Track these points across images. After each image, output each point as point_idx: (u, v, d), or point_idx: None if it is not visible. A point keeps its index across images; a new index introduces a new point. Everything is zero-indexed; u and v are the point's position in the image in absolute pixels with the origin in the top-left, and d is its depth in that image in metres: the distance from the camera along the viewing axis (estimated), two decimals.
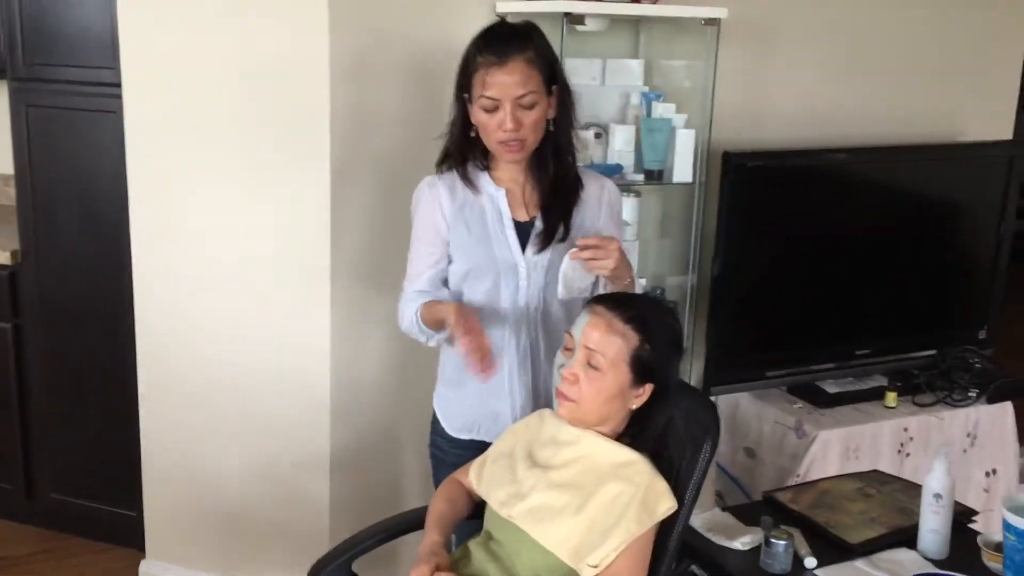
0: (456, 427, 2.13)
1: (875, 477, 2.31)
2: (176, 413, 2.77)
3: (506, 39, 1.91)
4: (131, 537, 3.01)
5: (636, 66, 2.79)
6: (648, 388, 1.76)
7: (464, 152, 2.04)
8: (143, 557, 2.93)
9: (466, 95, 1.97)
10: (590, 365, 1.73)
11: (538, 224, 2.02)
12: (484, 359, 1.84)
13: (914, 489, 2.07)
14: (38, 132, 2.89)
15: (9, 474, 3.18)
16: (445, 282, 2.09)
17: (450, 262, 2.08)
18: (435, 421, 2.18)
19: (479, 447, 2.08)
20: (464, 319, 1.86)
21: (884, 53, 3.19)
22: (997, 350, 3.27)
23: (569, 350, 1.78)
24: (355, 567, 1.94)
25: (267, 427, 2.68)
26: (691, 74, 2.76)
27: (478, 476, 1.91)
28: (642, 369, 1.73)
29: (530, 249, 2.01)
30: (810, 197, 2.93)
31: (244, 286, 2.61)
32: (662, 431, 1.78)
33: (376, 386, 2.67)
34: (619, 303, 1.76)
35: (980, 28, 3.35)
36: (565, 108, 2.00)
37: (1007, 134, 3.49)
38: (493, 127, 1.93)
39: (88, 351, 3.01)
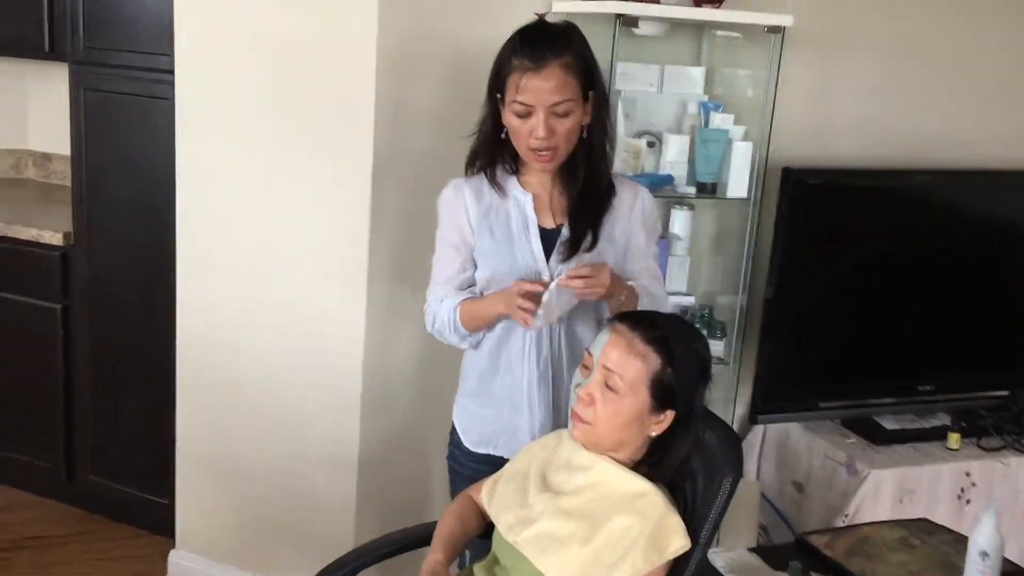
0: (473, 440, 2.07)
1: (922, 527, 2.14)
2: (212, 403, 2.75)
3: (544, 42, 1.82)
4: (163, 525, 3.01)
5: (696, 74, 2.67)
6: (669, 415, 1.64)
7: (493, 154, 1.97)
8: (173, 547, 2.92)
9: (499, 95, 1.90)
10: (607, 386, 1.63)
11: (564, 232, 1.94)
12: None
13: (964, 543, 1.90)
14: (93, 115, 2.91)
15: (51, 454, 3.21)
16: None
17: (476, 268, 2.01)
18: (453, 432, 2.12)
19: (496, 462, 2.02)
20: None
21: (958, 73, 3.01)
22: None
23: (587, 368, 1.68)
24: None
25: (298, 423, 2.65)
26: (754, 85, 2.63)
27: (489, 496, 1.82)
28: (663, 394, 1.62)
29: (555, 258, 1.93)
30: (874, 219, 2.77)
31: (282, 278, 2.59)
32: (683, 462, 1.66)
33: (407, 387, 2.63)
34: (642, 322, 1.65)
35: None
36: (600, 115, 1.92)
37: None
38: (525, 133, 1.86)
39: (132, 337, 3.01)
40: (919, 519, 2.21)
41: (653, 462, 1.68)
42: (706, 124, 2.59)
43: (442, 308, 1.99)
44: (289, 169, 2.52)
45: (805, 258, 2.67)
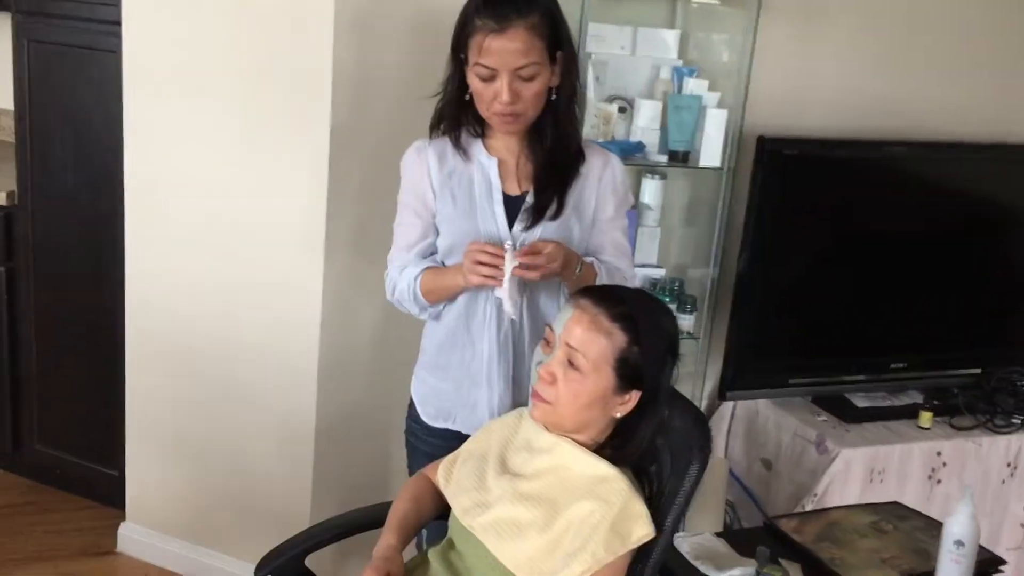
0: (431, 414, 1.99)
1: (893, 511, 2.08)
2: (162, 374, 2.65)
3: (508, 1, 1.71)
4: (113, 497, 2.91)
5: (671, 37, 2.56)
6: (635, 395, 1.56)
7: (458, 116, 1.88)
8: (123, 519, 2.83)
9: (461, 56, 1.80)
10: (570, 364, 1.54)
11: (529, 199, 1.85)
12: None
13: (937, 528, 1.84)
14: (38, 68, 2.75)
15: None
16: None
17: (437, 235, 1.92)
18: (411, 405, 2.05)
19: (455, 437, 1.94)
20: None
21: (937, 43, 2.91)
22: None
23: (549, 345, 1.59)
24: (309, 562, 1.79)
25: (253, 396, 2.56)
26: (730, 50, 2.53)
27: (447, 476, 1.73)
28: (628, 373, 1.54)
29: (518, 225, 1.85)
30: (851, 191, 2.68)
31: (236, 247, 2.48)
32: (648, 445, 1.58)
33: (366, 361, 2.54)
34: (606, 297, 1.56)
35: None
36: (569, 76, 1.81)
37: None
38: (488, 97, 1.77)
39: (80, 302, 2.89)
40: (891, 503, 2.15)
41: (617, 444, 1.60)
42: (679, 90, 2.49)
43: (402, 277, 1.91)
44: (243, 132, 2.41)
45: (779, 231, 2.58)
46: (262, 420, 2.55)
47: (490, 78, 1.74)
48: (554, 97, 1.80)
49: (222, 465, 2.63)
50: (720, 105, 2.45)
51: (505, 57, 1.71)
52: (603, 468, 1.54)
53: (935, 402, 2.77)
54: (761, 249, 2.56)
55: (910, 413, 2.75)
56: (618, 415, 1.57)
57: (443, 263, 1.91)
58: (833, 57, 2.77)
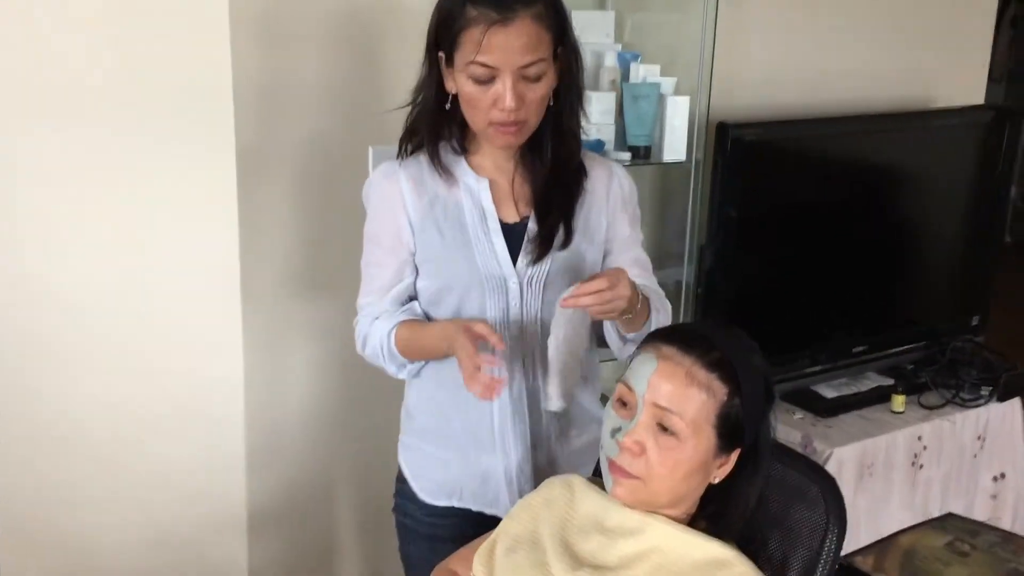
0: (430, 490, 1.67)
1: (958, 525, 1.92)
2: (42, 463, 2.14)
3: None
4: None
5: (605, 19, 2.30)
6: (735, 454, 1.28)
7: (438, 129, 1.55)
8: None
9: (442, 55, 1.47)
10: (661, 429, 1.25)
11: (532, 226, 1.55)
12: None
13: (1014, 541, 1.68)
14: None
15: None
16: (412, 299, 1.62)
17: (417, 275, 1.59)
18: (401, 480, 1.72)
19: (463, 515, 1.65)
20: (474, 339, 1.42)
21: (865, 13, 2.79)
22: (988, 339, 2.95)
23: (625, 406, 1.28)
24: None
25: (165, 481, 2.13)
26: (674, 30, 2.29)
27: (487, 570, 1.40)
28: (731, 431, 1.26)
29: (523, 259, 1.55)
30: (806, 173, 2.52)
31: (128, 307, 2.04)
32: (754, 512, 1.31)
33: (304, 424, 2.18)
34: (694, 341, 1.27)
35: None
36: (574, 77, 1.53)
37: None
38: (486, 103, 1.45)
39: None
40: (947, 514, 2.00)
41: (712, 514, 1.32)
42: (627, 78, 2.23)
43: (374, 330, 1.58)
44: (131, 159, 1.96)
45: (744, 222, 2.37)
46: (179, 506, 2.14)
47: (488, 79, 1.43)
48: (552, 103, 1.51)
49: (129, 565, 2.17)
50: (678, 91, 2.21)
51: (509, 54, 1.41)
52: (716, 549, 1.25)
53: (897, 382, 2.65)
54: (725, 243, 2.35)
55: (880, 398, 2.63)
56: (717, 480, 1.30)
57: (426, 314, 1.59)
58: (761, 31, 2.58)
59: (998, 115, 2.91)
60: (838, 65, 2.74)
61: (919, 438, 2.52)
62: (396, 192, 1.56)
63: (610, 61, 2.23)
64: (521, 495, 1.58)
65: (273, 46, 1.94)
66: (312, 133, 2.01)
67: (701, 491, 1.30)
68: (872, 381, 2.71)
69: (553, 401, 1.51)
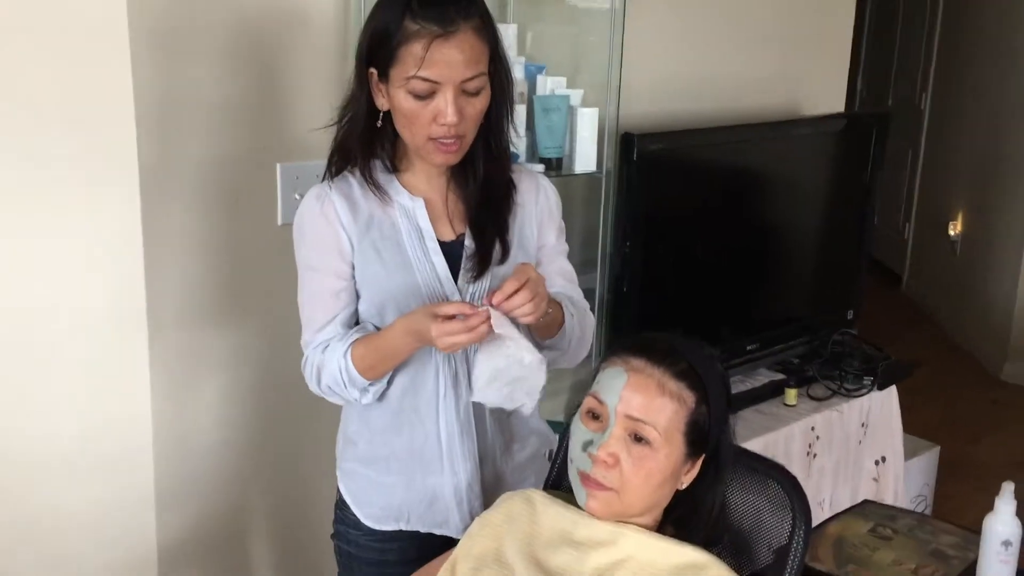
0: (375, 515, 1.65)
1: (876, 511, 2.02)
2: None
3: None
4: None
5: (507, 32, 2.30)
6: (699, 460, 1.32)
7: (371, 147, 1.53)
8: None
9: (372, 70, 1.45)
10: (636, 439, 1.27)
11: (469, 244, 1.55)
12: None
13: (929, 522, 1.79)
14: None
15: None
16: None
17: (358, 298, 1.57)
18: (342, 506, 1.68)
19: (410, 537, 1.63)
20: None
21: (741, 20, 2.90)
22: (860, 332, 3.14)
23: (596, 419, 1.30)
24: None
25: (67, 529, 1.98)
26: (574, 43, 2.33)
27: None
28: (699, 437, 1.30)
29: (463, 277, 1.55)
30: (702, 182, 2.61)
31: (20, 347, 1.88)
32: (718, 515, 1.35)
33: (217, 455, 2.08)
34: (662, 353, 1.30)
35: None
36: (503, 91, 1.53)
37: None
38: (426, 119, 1.44)
39: None
40: (863, 502, 2.10)
41: (678, 519, 1.35)
42: (534, 90, 2.25)
43: (328, 357, 1.53)
44: (23, 181, 1.82)
45: (644, 229, 2.43)
46: (83, 557, 2.00)
47: (428, 94, 1.42)
48: (483, 120, 1.50)
49: None
50: (585, 103, 2.25)
51: (452, 68, 1.40)
52: (690, 553, 1.28)
53: (788, 377, 2.79)
54: (632, 251, 2.41)
55: (773, 392, 2.75)
56: (684, 487, 1.33)
57: (378, 329, 1.56)
58: (648, 40, 2.64)
59: (851, 121, 3.13)
60: (720, 71, 2.83)
61: (812, 428, 2.66)
62: (332, 215, 1.52)
63: (518, 74, 2.24)
64: (472, 513, 1.58)
65: (174, 60, 1.85)
66: (222, 152, 1.93)
67: (670, 498, 1.33)
68: (764, 377, 2.83)
69: (526, 411, 1.49)
